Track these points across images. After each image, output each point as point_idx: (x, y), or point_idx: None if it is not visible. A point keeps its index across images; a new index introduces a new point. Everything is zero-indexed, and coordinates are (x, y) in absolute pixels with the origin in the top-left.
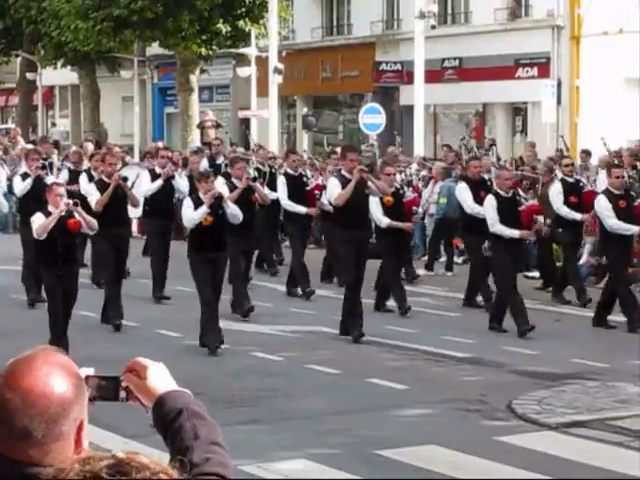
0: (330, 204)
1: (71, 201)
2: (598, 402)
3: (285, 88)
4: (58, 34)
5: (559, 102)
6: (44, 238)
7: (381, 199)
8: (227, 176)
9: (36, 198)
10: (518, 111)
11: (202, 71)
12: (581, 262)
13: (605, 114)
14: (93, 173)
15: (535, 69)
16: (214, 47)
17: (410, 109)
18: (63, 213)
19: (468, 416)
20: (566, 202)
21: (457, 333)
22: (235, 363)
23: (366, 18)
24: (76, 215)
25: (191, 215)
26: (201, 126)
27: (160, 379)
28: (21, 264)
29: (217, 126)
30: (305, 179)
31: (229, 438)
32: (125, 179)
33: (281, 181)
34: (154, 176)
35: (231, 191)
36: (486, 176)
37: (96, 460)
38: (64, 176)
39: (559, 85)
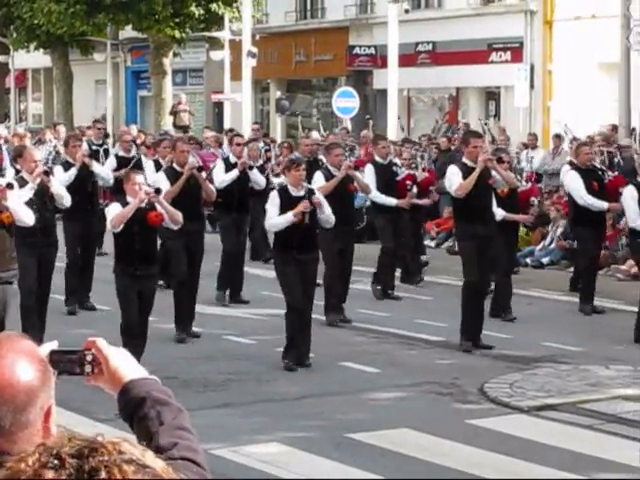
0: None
1: (153, 190)
2: (569, 385)
3: (258, 72)
4: (31, 17)
5: (532, 86)
6: (120, 232)
7: (494, 189)
8: (314, 165)
9: (82, 190)
10: (491, 95)
11: (175, 54)
12: (552, 246)
13: (578, 98)
14: (161, 161)
15: (508, 53)
16: (187, 30)
17: (384, 93)
18: (144, 204)
19: (440, 399)
20: None
21: (430, 316)
22: (207, 347)
23: (339, 2)
24: (158, 207)
25: (276, 221)
26: (173, 111)
27: (123, 366)
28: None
29: (190, 114)
30: (395, 168)
31: (201, 422)
32: (200, 169)
33: (369, 170)
34: (228, 166)
35: (327, 180)
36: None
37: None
38: (112, 164)
39: (532, 69)
